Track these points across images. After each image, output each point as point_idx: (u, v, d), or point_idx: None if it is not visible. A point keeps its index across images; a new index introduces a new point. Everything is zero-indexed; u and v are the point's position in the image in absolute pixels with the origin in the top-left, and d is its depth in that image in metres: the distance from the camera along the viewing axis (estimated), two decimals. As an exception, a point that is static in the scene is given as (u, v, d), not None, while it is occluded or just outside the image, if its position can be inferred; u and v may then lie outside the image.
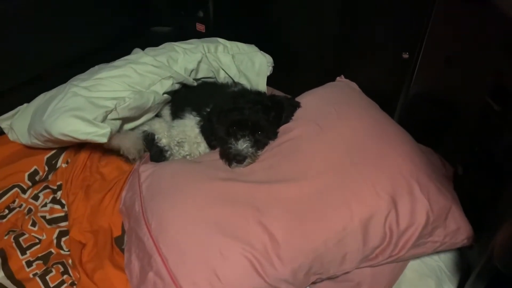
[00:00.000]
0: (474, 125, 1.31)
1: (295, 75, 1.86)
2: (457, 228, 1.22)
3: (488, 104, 1.19)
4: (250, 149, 1.30)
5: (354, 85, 1.61)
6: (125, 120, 1.45)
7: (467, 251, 1.32)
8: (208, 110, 1.45)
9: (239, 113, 1.33)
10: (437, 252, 1.30)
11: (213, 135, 1.41)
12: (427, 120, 1.51)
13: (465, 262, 1.33)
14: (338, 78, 1.67)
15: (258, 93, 1.49)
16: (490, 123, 1.20)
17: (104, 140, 1.27)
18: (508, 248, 0.87)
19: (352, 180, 1.20)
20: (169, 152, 1.54)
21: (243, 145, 1.30)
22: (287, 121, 1.40)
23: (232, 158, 1.29)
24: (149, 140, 1.55)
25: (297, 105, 1.44)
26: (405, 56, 1.44)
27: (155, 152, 1.52)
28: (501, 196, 1.13)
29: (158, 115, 1.61)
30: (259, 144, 1.33)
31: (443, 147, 1.49)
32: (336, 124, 1.35)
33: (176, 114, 1.57)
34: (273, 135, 1.36)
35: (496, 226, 0.93)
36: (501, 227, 0.91)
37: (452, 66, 1.36)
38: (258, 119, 1.33)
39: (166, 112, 1.62)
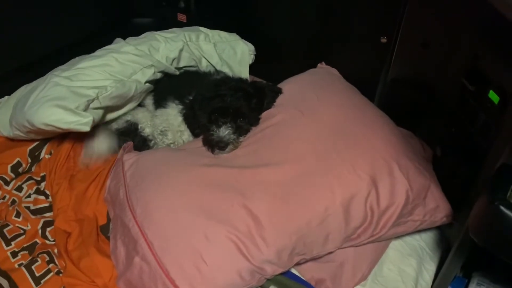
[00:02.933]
0: (451, 106, 1.34)
1: (277, 63, 1.88)
2: (436, 206, 1.26)
3: (463, 85, 1.22)
4: (232, 136, 1.31)
5: (334, 71, 1.63)
6: (108, 109, 1.44)
7: (447, 229, 1.36)
8: (191, 98, 1.46)
9: (221, 100, 1.34)
10: (418, 231, 1.34)
11: (196, 123, 1.42)
12: (406, 103, 1.54)
13: (445, 241, 1.37)
14: (319, 64, 1.69)
15: (240, 80, 1.50)
16: (465, 104, 1.23)
17: (86, 128, 1.27)
18: (481, 220, 0.90)
19: (333, 163, 1.22)
20: (152, 142, 1.55)
21: (225, 132, 1.31)
22: (269, 107, 1.41)
23: (214, 144, 1.30)
24: (132, 130, 1.55)
25: (278, 91, 1.46)
26: (383, 40, 1.47)
27: (138, 141, 1.52)
28: (477, 174, 1.17)
29: (141, 105, 1.61)
30: (241, 131, 1.34)
31: (422, 130, 1.52)
32: (318, 109, 1.37)
33: (159, 103, 1.57)
34: (255, 121, 1.38)
35: (473, 203, 0.96)
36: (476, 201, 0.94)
37: (429, 49, 1.39)
38: (240, 105, 1.34)
39: (149, 101, 1.62)
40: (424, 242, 1.37)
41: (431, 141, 1.48)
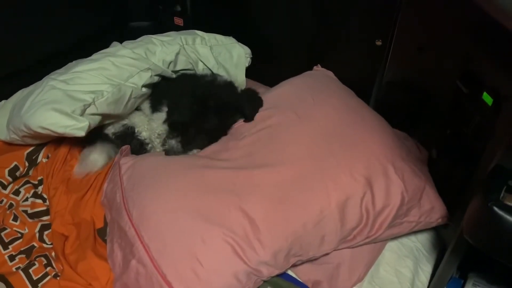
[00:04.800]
0: (446, 109, 1.35)
1: (273, 66, 1.88)
2: (431, 207, 1.26)
3: (458, 88, 1.23)
4: (180, 149, 1.36)
5: (330, 73, 1.64)
6: (105, 116, 1.44)
7: (443, 231, 1.37)
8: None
9: (175, 114, 1.40)
10: (414, 233, 1.35)
11: None
12: (401, 105, 1.55)
13: (441, 242, 1.38)
14: (314, 67, 1.70)
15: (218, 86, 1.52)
16: (460, 107, 1.24)
17: (82, 133, 1.27)
18: (475, 221, 0.90)
19: (329, 165, 1.23)
20: (150, 145, 1.55)
21: (172, 144, 1.37)
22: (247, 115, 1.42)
23: (167, 153, 1.36)
24: (129, 134, 1.55)
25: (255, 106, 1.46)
26: (378, 43, 1.48)
27: (135, 145, 1.52)
28: (472, 175, 1.17)
29: (138, 109, 1.61)
30: (194, 142, 1.38)
31: (418, 132, 1.53)
32: (313, 111, 1.37)
33: (155, 107, 1.57)
34: (215, 129, 1.41)
35: (468, 205, 0.97)
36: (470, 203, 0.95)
37: (424, 52, 1.40)
38: (187, 120, 1.37)
39: (146, 105, 1.62)
40: (420, 243, 1.37)
41: (426, 143, 1.49)
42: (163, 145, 1.44)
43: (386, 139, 1.32)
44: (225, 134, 1.42)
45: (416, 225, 1.27)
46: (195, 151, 1.37)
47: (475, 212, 0.91)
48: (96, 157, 1.43)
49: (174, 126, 1.40)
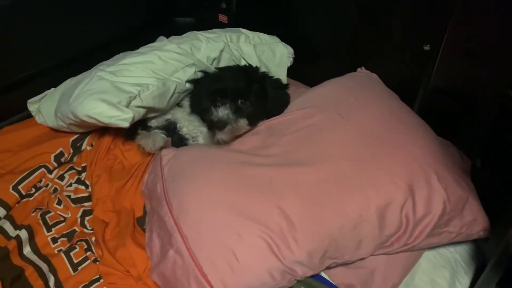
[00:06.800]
0: (493, 118, 1.31)
1: (316, 67, 1.87)
2: (473, 219, 1.23)
3: (508, 96, 1.19)
4: (231, 116, 1.32)
5: (374, 76, 1.61)
6: (149, 110, 1.46)
7: (483, 244, 1.33)
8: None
9: (220, 82, 1.38)
10: (453, 243, 1.31)
11: (202, 109, 1.45)
12: (446, 112, 1.51)
13: (480, 256, 1.33)
14: (358, 69, 1.68)
15: (246, 65, 1.55)
16: (509, 116, 1.20)
17: (126, 124, 1.30)
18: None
19: (369, 168, 1.21)
20: (189, 140, 1.56)
21: (223, 111, 1.32)
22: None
23: (214, 126, 1.31)
24: (171, 128, 1.58)
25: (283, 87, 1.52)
26: (426, 48, 1.45)
27: (175, 139, 1.55)
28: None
29: (179, 105, 1.64)
30: (241, 112, 1.35)
31: (462, 140, 1.49)
32: (356, 113, 1.36)
33: (193, 108, 1.59)
34: (259, 105, 1.39)
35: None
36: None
37: (472, 59, 1.36)
38: (238, 86, 1.36)
39: (186, 103, 1.64)
40: (458, 255, 1.33)
41: (470, 152, 1.45)
42: (209, 118, 1.36)
43: (429, 145, 1.29)
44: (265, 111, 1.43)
45: (456, 236, 1.24)
46: (244, 120, 1.35)
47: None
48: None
49: (222, 93, 1.36)
